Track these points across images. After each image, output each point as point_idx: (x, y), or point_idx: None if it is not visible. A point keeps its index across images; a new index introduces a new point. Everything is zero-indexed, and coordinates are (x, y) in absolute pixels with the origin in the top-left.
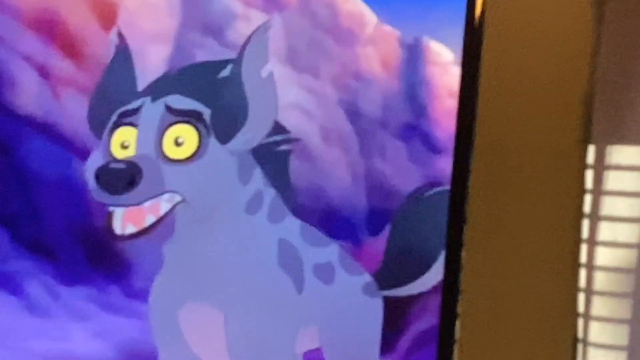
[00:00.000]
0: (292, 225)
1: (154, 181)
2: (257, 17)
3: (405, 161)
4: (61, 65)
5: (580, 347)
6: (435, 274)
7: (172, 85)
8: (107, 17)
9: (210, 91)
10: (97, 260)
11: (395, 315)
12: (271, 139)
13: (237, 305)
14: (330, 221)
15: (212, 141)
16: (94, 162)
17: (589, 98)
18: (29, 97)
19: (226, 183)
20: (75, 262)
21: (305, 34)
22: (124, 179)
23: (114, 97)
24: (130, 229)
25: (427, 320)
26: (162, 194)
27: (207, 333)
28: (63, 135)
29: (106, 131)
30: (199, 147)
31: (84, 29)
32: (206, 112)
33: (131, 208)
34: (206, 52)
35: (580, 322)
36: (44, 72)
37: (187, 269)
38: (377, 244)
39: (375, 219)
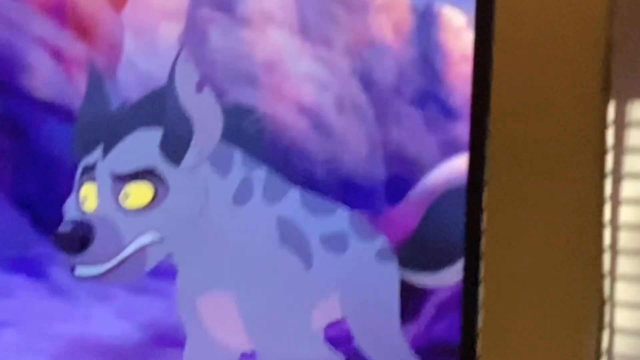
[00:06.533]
0: (292, 199)
1: (111, 237)
2: None
3: (421, 128)
4: (73, 47)
5: (607, 306)
6: (457, 269)
7: (127, 120)
8: None
9: (160, 117)
10: None
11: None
12: (242, 123)
13: (250, 290)
14: (348, 191)
15: (172, 177)
16: (67, 211)
17: (607, 54)
18: (44, 80)
19: (202, 200)
20: None
21: (316, 4)
22: (75, 240)
23: (91, 129)
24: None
25: (450, 286)
26: (123, 247)
27: (226, 321)
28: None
29: (75, 184)
30: (155, 195)
31: (95, 10)
32: (153, 157)
33: None
34: (218, 27)
35: (607, 282)
36: (56, 55)
37: (198, 269)
38: (397, 214)
39: (394, 188)
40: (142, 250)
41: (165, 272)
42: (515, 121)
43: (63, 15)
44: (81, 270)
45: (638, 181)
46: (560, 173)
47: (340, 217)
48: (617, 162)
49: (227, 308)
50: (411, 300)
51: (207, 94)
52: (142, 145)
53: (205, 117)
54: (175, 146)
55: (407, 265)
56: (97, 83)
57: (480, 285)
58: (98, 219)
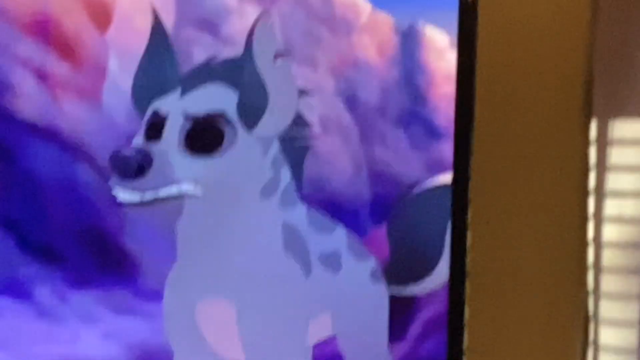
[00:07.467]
0: (299, 211)
1: (164, 171)
2: (252, 12)
3: (406, 147)
4: (58, 68)
5: (591, 324)
6: (441, 273)
7: (207, 76)
8: (102, 19)
9: (238, 81)
10: (104, 262)
11: (404, 304)
12: (296, 131)
13: (248, 295)
14: (334, 210)
15: (241, 133)
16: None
17: (589, 74)
18: (29, 101)
19: (249, 170)
20: (82, 265)
21: (300, 26)
22: (133, 165)
23: (154, 78)
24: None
25: (436, 306)
26: (171, 184)
27: (223, 326)
28: (64, 138)
29: (143, 122)
30: (223, 142)
31: (79, 31)
32: (229, 108)
33: None
34: (202, 48)
35: (591, 300)
36: (41, 76)
37: (199, 262)
38: (381, 233)
39: (379, 207)
40: (180, 197)
41: (151, 294)
42: (498, 140)
43: (47, 36)
44: (123, 196)
45: (620, 199)
46: (544, 191)
47: (339, 237)
48: (600, 180)
49: (226, 315)
50: (398, 319)
51: (284, 65)
52: (221, 95)
53: (281, 87)
54: (251, 110)
55: (392, 281)
56: (160, 33)
57: (466, 305)
58: (159, 151)
